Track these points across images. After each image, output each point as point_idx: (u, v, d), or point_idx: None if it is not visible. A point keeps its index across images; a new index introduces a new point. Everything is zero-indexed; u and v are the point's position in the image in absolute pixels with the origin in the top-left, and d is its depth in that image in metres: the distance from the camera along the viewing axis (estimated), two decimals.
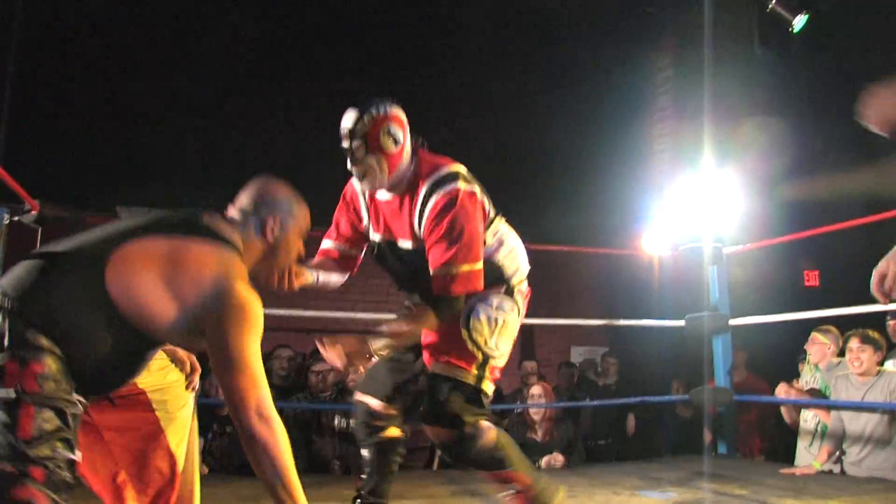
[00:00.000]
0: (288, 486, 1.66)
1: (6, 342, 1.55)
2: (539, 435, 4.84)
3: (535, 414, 4.86)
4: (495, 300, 2.42)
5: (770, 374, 5.10)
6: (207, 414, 4.49)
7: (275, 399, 1.73)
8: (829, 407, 4.22)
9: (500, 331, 2.41)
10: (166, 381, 2.04)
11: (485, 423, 2.36)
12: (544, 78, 7.01)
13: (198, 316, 1.67)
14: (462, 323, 2.36)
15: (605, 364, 6.39)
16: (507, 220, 2.55)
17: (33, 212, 3.28)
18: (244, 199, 1.95)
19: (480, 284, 2.33)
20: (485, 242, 2.38)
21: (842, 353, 4.38)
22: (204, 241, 1.75)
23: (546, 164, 7.12)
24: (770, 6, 5.04)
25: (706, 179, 4.55)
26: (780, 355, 5.36)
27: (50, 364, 1.56)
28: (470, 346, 2.36)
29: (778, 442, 4.96)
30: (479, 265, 2.32)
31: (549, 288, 4.97)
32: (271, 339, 5.54)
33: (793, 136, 5.88)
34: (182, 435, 2.07)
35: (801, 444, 4.48)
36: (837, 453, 4.15)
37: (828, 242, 5.20)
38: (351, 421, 3.22)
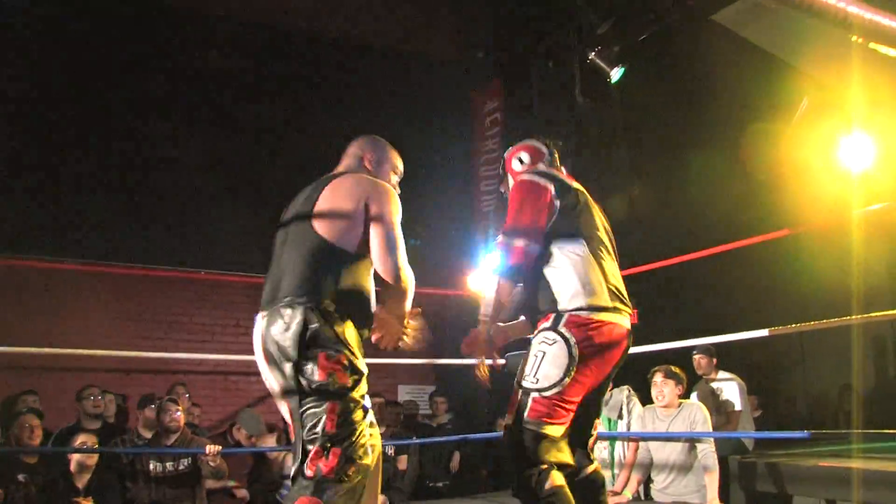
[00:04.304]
0: (407, 305, 2.48)
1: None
2: None
3: None
4: None
5: None
6: (9, 463, 4.07)
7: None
8: (639, 438, 4.48)
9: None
10: None
11: None
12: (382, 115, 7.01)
13: (366, 207, 2.36)
14: None
15: (435, 404, 6.40)
16: None
17: None
18: (350, 153, 2.65)
19: None
20: None
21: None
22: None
23: None
24: (590, 57, 5.27)
25: None
26: None
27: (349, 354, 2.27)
28: None
29: None
30: None
31: None
32: (85, 378, 5.16)
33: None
34: None
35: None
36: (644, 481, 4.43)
37: (644, 280, 5.48)
38: None
